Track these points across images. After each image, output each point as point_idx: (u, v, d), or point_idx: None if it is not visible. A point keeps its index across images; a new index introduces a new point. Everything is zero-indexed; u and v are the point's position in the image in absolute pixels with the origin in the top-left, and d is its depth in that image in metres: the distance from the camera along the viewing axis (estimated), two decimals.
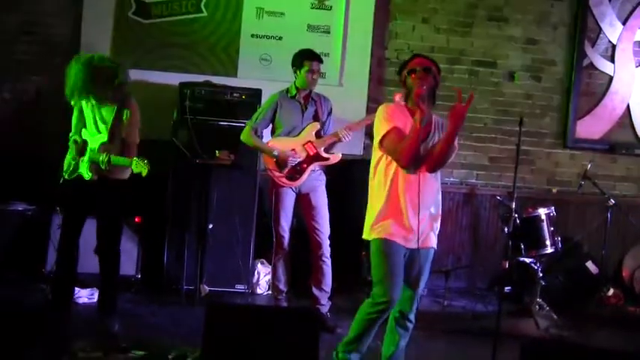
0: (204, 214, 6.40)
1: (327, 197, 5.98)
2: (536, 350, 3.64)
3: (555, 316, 6.50)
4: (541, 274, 6.54)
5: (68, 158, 5.39)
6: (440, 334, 5.98)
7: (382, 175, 4.40)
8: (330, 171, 6.12)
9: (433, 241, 4.54)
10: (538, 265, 6.57)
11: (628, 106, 7.91)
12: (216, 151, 6.28)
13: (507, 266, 5.31)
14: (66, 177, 5.36)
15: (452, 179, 7.69)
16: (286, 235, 5.96)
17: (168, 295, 6.38)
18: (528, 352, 3.62)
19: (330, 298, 6.00)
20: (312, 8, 7.43)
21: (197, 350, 4.67)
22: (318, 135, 5.92)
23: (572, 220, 7.69)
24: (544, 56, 7.81)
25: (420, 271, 4.50)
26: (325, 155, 5.91)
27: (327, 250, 5.92)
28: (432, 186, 4.45)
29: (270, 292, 6.64)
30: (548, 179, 7.89)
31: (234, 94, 6.66)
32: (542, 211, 6.53)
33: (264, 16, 7.37)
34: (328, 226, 5.93)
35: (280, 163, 5.85)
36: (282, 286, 6.07)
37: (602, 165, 7.85)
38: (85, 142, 5.30)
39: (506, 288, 6.84)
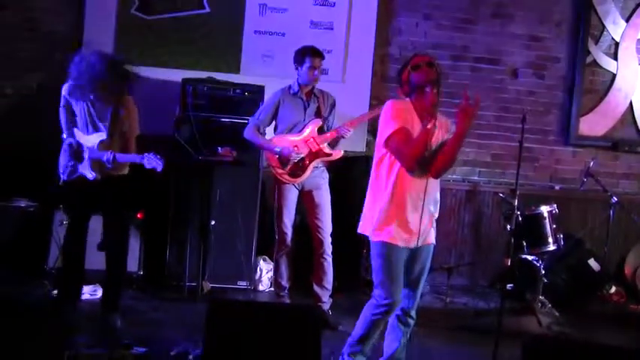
0: (207, 210, 6.40)
1: (331, 194, 5.98)
2: (538, 348, 3.64)
3: (557, 314, 6.51)
4: (543, 272, 6.53)
5: (64, 161, 5.37)
6: (442, 331, 5.98)
7: (385, 173, 4.39)
8: (332, 168, 6.12)
9: (433, 238, 4.58)
10: (540, 262, 6.57)
11: (631, 104, 7.90)
12: (219, 148, 6.28)
13: (509, 263, 5.30)
14: (66, 178, 5.35)
15: (454, 176, 7.68)
16: (289, 231, 5.97)
17: (170, 291, 6.38)
18: (530, 350, 3.62)
19: (331, 296, 6.00)
20: (315, 5, 7.41)
21: (199, 346, 4.68)
22: (320, 131, 5.92)
23: (575, 218, 7.68)
24: (547, 53, 7.79)
25: (421, 269, 4.54)
26: (327, 151, 5.91)
27: (328, 247, 5.92)
28: (433, 185, 4.47)
29: (272, 288, 6.65)
30: (550, 176, 7.88)
31: (237, 91, 6.66)
32: (545, 209, 6.52)
33: (267, 13, 7.37)
34: (330, 223, 5.93)
35: (283, 159, 5.86)
36: (284, 283, 6.08)
37: (604, 162, 7.84)
38: (80, 146, 5.27)
39: (509, 285, 6.83)
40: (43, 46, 7.12)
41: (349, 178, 6.81)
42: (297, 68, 5.90)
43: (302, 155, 5.86)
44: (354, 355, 4.55)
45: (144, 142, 5.35)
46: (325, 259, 5.91)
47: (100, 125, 5.25)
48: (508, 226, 6.25)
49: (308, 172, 5.88)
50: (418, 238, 4.43)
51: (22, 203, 6.63)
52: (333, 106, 6.04)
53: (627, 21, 7.82)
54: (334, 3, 7.42)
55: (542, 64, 7.79)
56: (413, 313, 4.58)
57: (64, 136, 5.37)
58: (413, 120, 4.36)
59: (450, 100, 7.00)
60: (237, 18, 7.33)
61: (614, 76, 7.86)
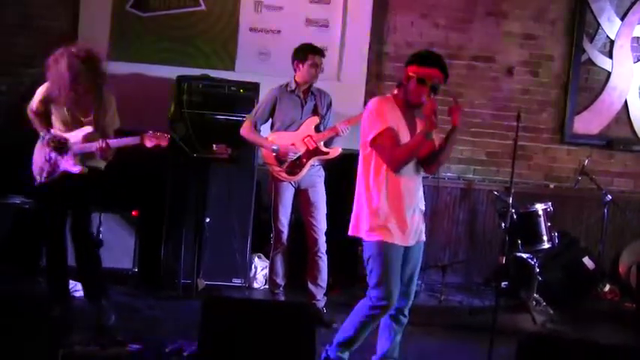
0: (202, 208, 6.40)
1: (326, 192, 5.99)
2: (532, 345, 3.65)
3: (552, 312, 6.52)
4: (538, 270, 6.55)
5: (39, 160, 5.35)
6: (436, 329, 5.99)
7: (374, 171, 4.37)
8: (328, 166, 6.12)
9: (424, 235, 4.57)
10: (535, 260, 6.58)
11: (626, 102, 7.90)
12: (214, 145, 6.27)
13: (504, 261, 5.32)
14: (43, 180, 5.32)
15: (449, 174, 7.69)
16: (285, 229, 5.97)
17: (165, 288, 6.38)
18: (525, 347, 3.63)
19: (325, 294, 6.01)
20: (310, 2, 7.41)
21: (193, 343, 4.68)
22: (317, 129, 5.92)
23: (569, 216, 7.69)
24: (542, 51, 7.79)
25: (414, 267, 4.55)
26: (324, 149, 5.91)
27: (323, 245, 5.92)
28: (420, 182, 4.49)
29: (266, 286, 6.64)
30: (545, 175, 7.89)
31: (232, 88, 6.64)
32: (540, 207, 6.53)
33: (263, 10, 7.36)
34: (325, 222, 5.93)
35: (280, 157, 5.86)
36: (279, 281, 6.08)
37: (599, 161, 7.84)
38: (62, 138, 5.26)
39: (503, 283, 6.83)
40: (38, 43, 7.09)
41: (345, 176, 6.79)
42: (297, 65, 5.88)
43: (299, 153, 5.86)
44: (342, 352, 4.54)
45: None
46: (320, 257, 5.92)
47: (83, 120, 5.23)
48: (503, 224, 6.28)
49: (305, 170, 5.88)
50: (413, 236, 4.43)
51: (18, 200, 6.62)
52: (330, 105, 6.04)
53: (622, 19, 7.82)
54: (330, 0, 7.42)
55: (537, 62, 7.79)
56: (406, 311, 4.58)
57: (42, 134, 5.35)
58: (397, 118, 4.35)
59: (446, 98, 7.04)
60: (232, 15, 7.33)
61: (609, 74, 7.87)
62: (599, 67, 7.86)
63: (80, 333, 4.97)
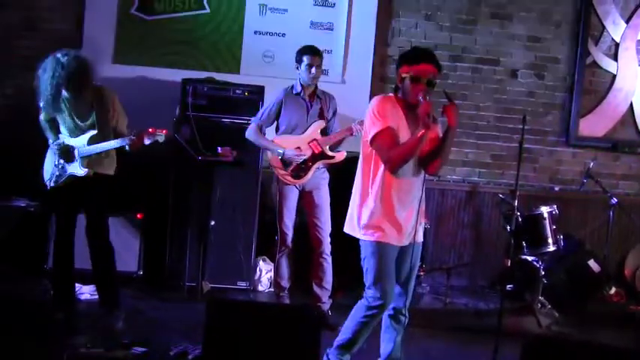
0: (206, 210, 6.40)
1: (330, 194, 5.98)
2: (537, 348, 3.64)
3: (557, 314, 6.50)
4: (543, 272, 6.53)
5: (49, 166, 5.37)
6: (441, 332, 5.99)
7: (372, 170, 4.37)
8: (333, 168, 6.12)
9: (421, 235, 4.54)
10: (540, 263, 6.56)
11: (631, 105, 7.89)
12: (218, 148, 6.28)
13: (509, 264, 5.31)
14: (53, 184, 5.34)
15: (454, 177, 7.68)
16: (290, 232, 5.97)
17: (169, 291, 6.38)
18: (530, 350, 3.62)
19: (330, 296, 6.00)
20: (315, 5, 7.41)
21: (198, 346, 4.68)
22: (323, 133, 5.92)
23: (575, 219, 7.67)
24: (547, 54, 7.78)
25: (411, 267, 4.53)
26: (330, 153, 5.91)
27: (327, 247, 5.92)
28: (419, 182, 4.44)
29: (271, 289, 6.65)
30: (550, 177, 7.87)
31: (237, 91, 6.65)
32: (545, 209, 6.52)
33: (267, 13, 7.36)
34: (330, 224, 5.93)
35: (285, 161, 5.86)
36: (284, 283, 6.08)
37: (604, 163, 7.83)
38: (71, 147, 5.28)
39: (508, 286, 6.83)
40: (43, 46, 7.09)
41: (350, 178, 6.78)
42: (297, 68, 5.89)
43: (305, 157, 5.86)
44: (342, 355, 4.54)
45: None
46: (325, 259, 5.92)
47: (84, 125, 5.24)
48: (508, 227, 6.26)
49: (310, 174, 5.88)
50: (408, 236, 4.41)
51: (22, 203, 6.62)
52: (335, 110, 6.03)
53: (627, 22, 7.82)
54: (334, 3, 7.42)
55: (542, 64, 7.78)
56: (405, 311, 4.57)
57: (51, 141, 5.37)
58: (399, 117, 4.34)
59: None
60: (237, 18, 7.33)
61: (614, 76, 7.86)
62: (605, 69, 7.85)
63: (85, 335, 4.97)
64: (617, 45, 7.84)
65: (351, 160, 6.55)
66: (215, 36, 7.32)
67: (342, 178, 6.33)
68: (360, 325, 4.47)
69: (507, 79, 7.75)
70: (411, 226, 4.41)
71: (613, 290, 7.27)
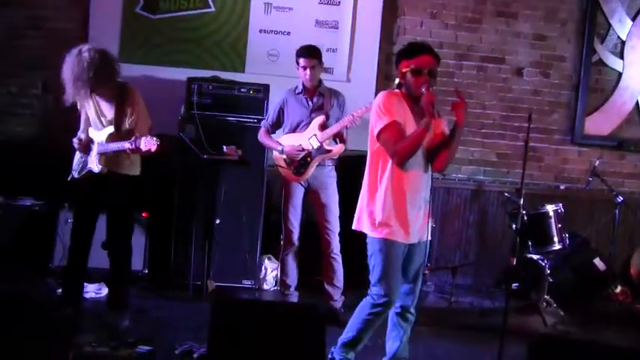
0: (212, 209, 6.41)
1: (338, 192, 5.98)
2: (543, 347, 3.63)
3: (562, 313, 6.50)
4: (548, 271, 6.52)
5: (77, 156, 5.40)
6: (447, 331, 5.98)
7: (381, 167, 4.37)
8: (341, 166, 6.11)
9: (428, 234, 4.52)
10: (545, 261, 6.55)
11: (637, 103, 7.87)
12: (224, 147, 6.28)
13: (515, 263, 5.30)
14: (75, 175, 5.37)
15: (459, 176, 7.67)
16: (295, 230, 5.98)
17: (175, 290, 6.39)
18: (535, 349, 3.62)
19: (343, 293, 5.99)
20: (320, 3, 7.40)
21: (203, 345, 4.68)
22: (323, 128, 5.92)
23: (580, 217, 7.65)
24: (553, 52, 7.76)
25: (419, 266, 4.51)
26: (328, 147, 5.90)
27: (336, 246, 5.92)
28: (428, 180, 4.43)
29: (277, 287, 6.65)
30: (556, 176, 7.85)
31: (242, 90, 6.65)
32: (550, 208, 6.51)
33: (272, 12, 7.36)
34: (338, 223, 5.93)
35: (287, 158, 5.88)
36: (289, 282, 6.08)
37: (610, 162, 7.81)
38: (89, 139, 5.30)
39: (514, 285, 6.81)
40: (48, 45, 7.12)
41: (358, 177, 6.79)
42: (297, 68, 5.94)
43: (304, 153, 5.86)
44: (346, 353, 4.53)
45: None
46: (334, 258, 5.92)
47: (104, 120, 5.25)
48: (513, 226, 6.26)
49: (311, 170, 5.89)
50: (416, 234, 4.40)
51: (28, 202, 6.65)
52: (343, 104, 6.01)
53: (633, 19, 7.79)
54: (339, 2, 7.41)
55: (547, 63, 7.76)
56: (413, 309, 4.57)
57: (79, 133, 5.40)
58: (405, 112, 4.33)
59: (456, 99, 7.00)
60: (242, 17, 7.33)
61: (620, 74, 7.83)
62: (610, 67, 7.83)
63: (90, 334, 4.97)
64: (623, 43, 7.81)
65: (360, 159, 6.58)
66: (220, 34, 7.32)
67: (351, 177, 6.36)
68: (364, 323, 4.47)
69: (513, 78, 7.73)
70: (419, 223, 4.40)
71: (619, 289, 7.24)
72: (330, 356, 4.53)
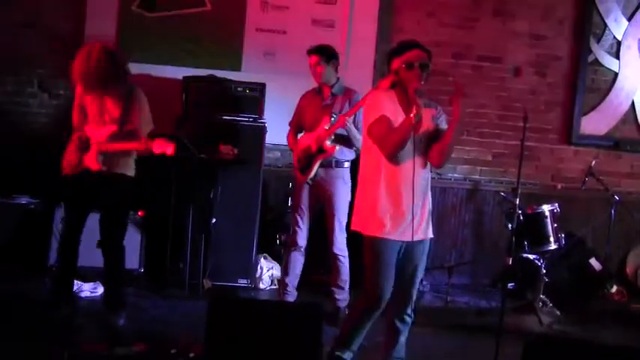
0: (208, 208, 6.40)
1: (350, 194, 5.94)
2: (539, 346, 3.64)
3: (558, 313, 6.51)
4: (544, 271, 6.53)
5: (70, 153, 5.37)
6: (443, 330, 5.98)
7: (375, 164, 4.33)
8: (353, 167, 6.10)
9: (428, 233, 4.46)
10: (541, 261, 6.56)
11: (633, 103, 7.89)
12: (220, 146, 6.27)
13: (511, 262, 5.30)
14: (68, 173, 5.34)
15: (455, 175, 7.68)
16: (301, 232, 5.94)
17: (171, 288, 6.38)
18: (531, 349, 3.62)
19: (349, 294, 5.97)
20: (316, 2, 7.41)
21: (200, 344, 4.68)
22: (326, 128, 5.88)
23: (576, 217, 7.65)
24: (549, 52, 7.77)
25: (416, 266, 4.44)
26: (325, 147, 5.84)
27: (343, 247, 5.87)
28: (424, 177, 4.39)
29: (272, 286, 6.67)
30: (552, 175, 7.87)
31: (238, 89, 6.65)
32: (546, 208, 6.51)
33: (269, 10, 7.36)
34: (344, 223, 5.87)
35: (298, 158, 5.90)
36: (287, 281, 6.03)
37: (606, 161, 7.82)
38: (88, 139, 5.28)
39: (510, 284, 6.83)
40: (44, 42, 7.12)
41: None
42: None
43: (310, 153, 5.85)
44: (342, 352, 4.52)
45: None
46: (339, 259, 5.88)
47: (108, 119, 5.23)
48: (509, 225, 6.26)
49: (314, 169, 5.85)
50: (412, 232, 4.33)
51: (23, 200, 6.63)
52: (356, 102, 5.97)
53: (629, 19, 7.81)
54: (336, 1, 7.41)
55: (544, 62, 7.78)
56: (410, 311, 4.50)
57: (75, 130, 5.37)
58: (396, 110, 4.31)
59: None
60: (238, 15, 7.32)
61: (616, 74, 7.85)
62: (606, 67, 7.85)
63: (86, 333, 4.97)
64: (619, 43, 7.83)
65: None
66: (216, 33, 7.32)
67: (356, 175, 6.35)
68: (356, 322, 4.46)
69: (509, 77, 7.74)
70: (416, 220, 4.34)
71: (614, 289, 7.26)
72: (327, 355, 4.52)
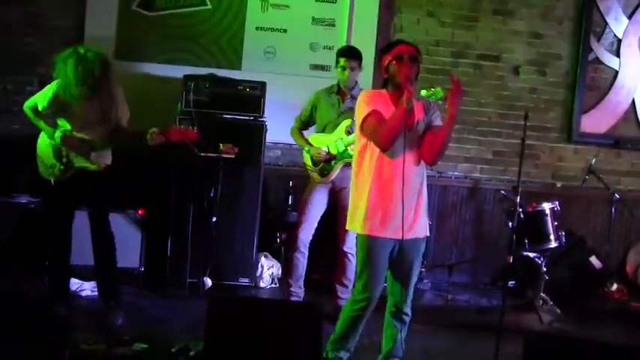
0: (208, 207, 6.40)
1: None
2: (539, 345, 3.64)
3: (559, 311, 6.50)
4: (545, 269, 6.53)
5: (51, 161, 5.31)
6: (443, 329, 5.98)
7: (368, 163, 4.32)
8: None
9: (422, 231, 4.44)
10: (542, 259, 6.56)
11: (633, 101, 7.88)
12: (220, 144, 6.27)
13: (511, 261, 5.30)
14: (55, 179, 5.31)
15: (456, 173, 7.68)
16: (307, 229, 5.92)
17: (171, 287, 6.37)
18: (532, 347, 3.62)
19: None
20: (316, 1, 7.40)
21: (200, 343, 4.68)
22: (349, 132, 5.85)
23: (577, 215, 7.67)
24: (549, 50, 7.77)
25: (410, 263, 4.43)
26: (352, 152, 5.82)
27: (352, 245, 5.85)
28: (416, 174, 4.36)
29: (273, 285, 6.68)
30: (552, 174, 7.87)
31: (239, 87, 6.64)
32: (547, 206, 6.51)
33: (269, 9, 7.35)
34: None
35: (314, 159, 5.87)
36: (292, 282, 6.02)
37: (606, 160, 7.82)
38: (83, 139, 5.26)
39: (510, 282, 6.83)
40: (44, 41, 7.11)
41: None
42: (335, 67, 5.93)
43: (329, 156, 5.83)
44: (337, 351, 4.53)
45: None
46: (347, 256, 5.87)
47: (93, 120, 5.23)
48: (510, 223, 6.27)
49: (336, 172, 5.84)
50: (405, 229, 4.30)
51: (23, 199, 6.62)
52: None
53: (630, 18, 7.80)
54: None
55: (544, 61, 7.77)
56: (407, 309, 4.49)
57: (55, 132, 5.33)
58: (387, 107, 4.30)
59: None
60: (238, 14, 7.32)
61: (616, 73, 7.85)
62: (607, 65, 7.84)
63: (86, 332, 4.97)
64: (619, 41, 7.83)
65: None
66: (216, 32, 7.32)
67: None
68: (349, 320, 4.46)
69: (509, 76, 7.74)
70: (410, 218, 4.31)
71: (615, 287, 7.27)
72: (325, 353, 4.52)
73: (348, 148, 5.77)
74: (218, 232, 6.46)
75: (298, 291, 6.05)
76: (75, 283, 5.93)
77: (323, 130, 5.95)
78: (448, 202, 7.68)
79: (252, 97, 6.59)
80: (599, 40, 7.80)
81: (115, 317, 5.35)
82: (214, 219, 6.41)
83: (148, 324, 5.48)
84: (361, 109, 4.33)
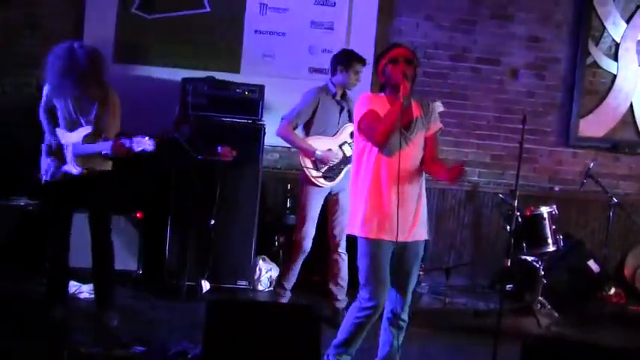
0: (206, 209, 6.40)
1: None
2: (537, 348, 3.64)
3: (557, 315, 6.51)
4: (543, 273, 6.53)
5: (45, 163, 5.33)
6: (441, 332, 5.98)
7: (365, 167, 4.33)
8: None
9: (421, 235, 4.44)
10: (540, 263, 6.56)
11: (631, 105, 7.89)
12: (218, 147, 6.27)
13: (509, 264, 5.30)
14: (48, 179, 5.31)
15: None
16: (310, 234, 5.88)
17: (169, 290, 6.37)
18: (529, 350, 3.62)
19: (347, 294, 5.95)
20: (315, 4, 7.41)
21: (198, 346, 4.68)
22: (352, 136, 5.83)
23: (575, 219, 7.68)
24: (547, 54, 7.78)
25: (409, 268, 4.43)
26: None
27: (344, 245, 5.85)
28: (415, 177, 4.37)
29: (271, 288, 6.66)
30: (550, 177, 7.87)
31: (237, 90, 6.64)
32: (545, 210, 6.51)
33: (268, 12, 7.36)
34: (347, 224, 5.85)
35: (319, 162, 5.81)
36: (287, 285, 6.00)
37: (604, 163, 7.83)
38: (60, 146, 5.24)
39: (508, 286, 6.83)
40: (43, 44, 7.09)
41: None
42: (340, 70, 5.84)
43: (337, 160, 5.82)
44: (340, 356, 4.51)
45: None
46: (340, 256, 5.86)
47: (83, 120, 5.22)
48: (508, 227, 6.25)
49: (341, 177, 5.83)
50: (404, 232, 4.29)
51: (22, 201, 6.62)
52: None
53: (628, 22, 7.82)
54: (335, 3, 7.42)
55: (542, 64, 7.78)
56: (404, 315, 4.48)
57: (46, 137, 5.35)
58: (384, 108, 4.30)
59: (451, 100, 7.05)
60: (237, 17, 7.33)
61: (614, 77, 7.86)
62: (605, 69, 7.85)
63: (84, 334, 4.96)
64: (617, 45, 7.84)
65: None
66: (215, 35, 7.32)
67: None
68: (354, 326, 4.43)
69: (507, 80, 7.75)
70: (409, 221, 4.32)
71: (613, 290, 7.27)
72: (325, 358, 4.51)
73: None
74: (216, 235, 6.46)
75: (289, 294, 6.05)
76: (73, 286, 5.93)
77: (322, 133, 5.92)
78: (446, 206, 7.69)
79: (251, 100, 6.59)
80: (597, 44, 7.81)
81: (109, 319, 5.34)
82: (212, 222, 6.41)
83: (146, 327, 5.47)
84: (359, 110, 4.35)
